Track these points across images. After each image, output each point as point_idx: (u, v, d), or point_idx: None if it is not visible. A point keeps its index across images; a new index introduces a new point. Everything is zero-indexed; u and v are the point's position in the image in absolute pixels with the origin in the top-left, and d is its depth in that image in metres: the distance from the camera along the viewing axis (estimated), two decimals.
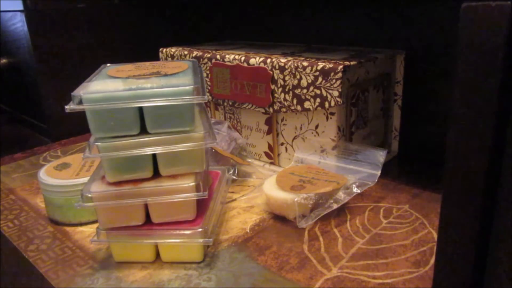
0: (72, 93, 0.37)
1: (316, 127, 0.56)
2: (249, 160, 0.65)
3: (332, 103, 0.52)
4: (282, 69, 0.56)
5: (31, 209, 0.54)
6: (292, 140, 0.59)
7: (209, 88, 0.66)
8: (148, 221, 0.41)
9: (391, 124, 0.65)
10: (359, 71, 0.55)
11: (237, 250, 0.44)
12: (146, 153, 0.39)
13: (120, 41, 0.86)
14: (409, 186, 0.55)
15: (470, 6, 0.22)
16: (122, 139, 0.39)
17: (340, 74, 0.51)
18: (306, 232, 0.46)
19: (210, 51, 0.65)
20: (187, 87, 0.38)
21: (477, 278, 0.27)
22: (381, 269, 0.40)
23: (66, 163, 0.53)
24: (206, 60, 0.65)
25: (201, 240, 0.41)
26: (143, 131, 0.39)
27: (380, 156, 0.52)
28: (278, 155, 0.62)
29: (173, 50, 0.71)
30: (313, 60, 0.54)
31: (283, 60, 0.56)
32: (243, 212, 0.51)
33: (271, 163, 0.63)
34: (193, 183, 0.40)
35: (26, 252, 0.45)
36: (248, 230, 0.47)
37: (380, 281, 0.38)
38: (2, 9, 0.81)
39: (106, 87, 0.39)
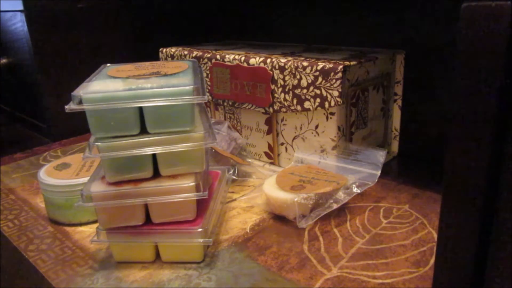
0: (72, 93, 0.37)
1: (316, 127, 0.56)
2: (249, 160, 0.65)
3: (332, 103, 0.52)
4: (282, 69, 0.56)
5: (31, 209, 0.54)
6: (292, 140, 0.59)
7: (209, 88, 0.66)
8: (148, 221, 0.41)
9: (391, 124, 0.65)
10: (359, 71, 0.55)
11: (237, 250, 0.44)
12: (146, 153, 0.39)
13: (120, 41, 0.86)
14: (409, 186, 0.55)
15: (470, 6, 0.22)
16: (122, 139, 0.39)
17: (340, 74, 0.51)
18: (306, 232, 0.46)
19: (210, 51, 0.65)
20: (187, 87, 0.38)
21: (477, 278, 0.27)
22: (381, 269, 0.40)
23: (66, 163, 0.53)
24: (206, 60, 0.65)
25: (201, 240, 0.41)
26: (143, 131, 0.39)
27: (380, 156, 0.52)
28: (278, 155, 0.62)
29: (173, 50, 0.71)
30: (313, 60, 0.54)
31: (283, 60, 0.56)
32: (243, 212, 0.51)
33: (271, 163, 0.63)
34: (193, 183, 0.40)
35: (26, 252, 0.45)
36: (248, 230, 0.47)
37: (380, 281, 0.38)
38: (2, 9, 0.82)
39: (106, 87, 0.39)
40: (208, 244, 0.43)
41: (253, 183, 0.58)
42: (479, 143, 0.24)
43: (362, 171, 0.52)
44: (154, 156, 0.40)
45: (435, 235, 0.44)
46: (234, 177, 0.58)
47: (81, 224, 0.50)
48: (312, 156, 0.57)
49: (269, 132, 0.62)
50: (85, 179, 0.46)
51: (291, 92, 0.56)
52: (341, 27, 0.68)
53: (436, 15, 0.57)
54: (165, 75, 0.41)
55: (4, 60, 0.88)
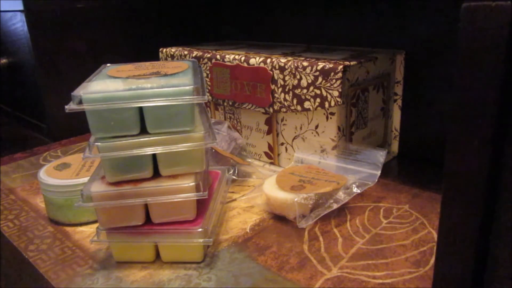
0: (72, 93, 0.37)
1: (316, 127, 0.56)
2: (249, 160, 0.65)
3: (332, 103, 0.52)
4: (282, 69, 0.56)
5: (31, 209, 0.54)
6: (292, 140, 0.59)
7: (209, 88, 0.66)
8: (148, 221, 0.41)
9: (391, 124, 0.65)
10: (359, 71, 0.55)
11: (237, 250, 0.44)
12: (146, 153, 0.39)
13: (120, 41, 0.86)
14: (409, 186, 0.55)
15: (470, 6, 0.22)
16: (122, 139, 0.39)
17: (340, 74, 0.51)
18: (306, 232, 0.46)
19: (210, 51, 0.65)
20: (187, 87, 0.38)
21: (477, 278, 0.27)
22: (381, 269, 0.40)
23: (66, 163, 0.53)
24: (206, 60, 0.65)
25: (201, 240, 0.41)
26: (143, 131, 0.39)
27: (380, 156, 0.52)
28: (278, 155, 0.62)
29: (173, 50, 0.71)
30: (313, 60, 0.54)
31: (283, 60, 0.56)
32: (243, 212, 0.51)
33: (271, 163, 0.63)
34: (193, 183, 0.40)
35: (26, 252, 0.45)
36: (248, 230, 0.47)
37: (380, 281, 0.38)
38: (2, 9, 0.81)
39: (106, 87, 0.39)
40: (208, 244, 0.43)
41: (253, 183, 0.58)
42: (479, 143, 0.24)
43: (362, 171, 0.52)
44: (154, 156, 0.40)
45: (435, 235, 0.44)
46: (234, 177, 0.58)
47: (81, 224, 0.50)
48: (312, 156, 0.57)
49: (269, 132, 0.62)
50: (85, 179, 0.46)
51: (291, 92, 0.56)
52: (341, 27, 0.68)
53: (436, 15, 0.57)
54: (165, 75, 0.41)
55: (4, 60, 0.88)
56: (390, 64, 0.61)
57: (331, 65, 0.51)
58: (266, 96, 0.58)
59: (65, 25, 0.78)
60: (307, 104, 0.55)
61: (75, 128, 0.81)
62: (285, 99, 0.57)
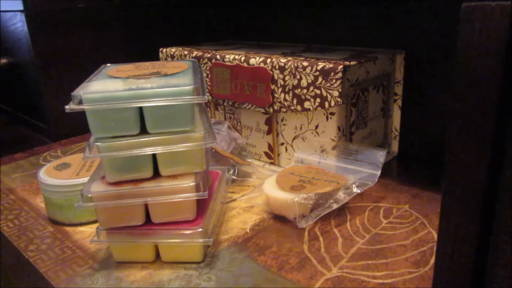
0: (72, 93, 0.37)
1: (316, 127, 0.56)
2: (249, 160, 0.65)
3: (332, 103, 0.52)
4: (282, 69, 0.56)
5: (31, 209, 0.54)
6: (292, 140, 0.59)
7: (209, 88, 0.66)
8: (148, 221, 0.41)
9: (391, 124, 0.65)
10: (359, 71, 0.55)
11: (237, 250, 0.44)
12: (146, 153, 0.39)
13: (120, 41, 0.86)
14: (409, 186, 0.55)
15: (470, 6, 0.22)
16: (122, 139, 0.39)
17: (340, 74, 0.51)
18: (306, 232, 0.46)
19: (210, 51, 0.65)
20: (187, 87, 0.38)
21: (477, 278, 0.27)
22: (381, 269, 0.40)
23: (66, 163, 0.53)
24: (206, 60, 0.65)
25: (201, 240, 0.41)
26: (143, 131, 0.39)
27: (380, 156, 0.52)
28: (278, 155, 0.62)
29: (173, 50, 0.71)
30: (313, 60, 0.54)
31: (283, 60, 0.56)
32: (243, 212, 0.51)
33: (271, 163, 0.63)
34: (193, 183, 0.40)
35: (26, 252, 0.45)
36: (248, 230, 0.47)
37: (380, 281, 0.38)
38: (2, 9, 0.81)
39: (106, 87, 0.39)
40: (208, 244, 0.43)
41: (253, 183, 0.58)
42: (479, 143, 0.24)
43: (362, 171, 0.52)
44: (154, 156, 0.40)
45: (435, 235, 0.44)
46: (234, 177, 0.58)
47: (81, 224, 0.50)
48: (312, 156, 0.57)
49: (269, 132, 0.62)
50: (85, 179, 0.46)
51: (291, 92, 0.56)
52: (341, 27, 0.68)
53: (436, 15, 0.57)
54: (165, 75, 0.41)
55: (4, 60, 0.88)
56: (390, 64, 0.61)
57: (331, 65, 0.51)
58: (266, 96, 0.58)
59: (65, 25, 0.78)
60: (307, 104, 0.55)
61: (75, 128, 0.81)
62: (285, 99, 0.57)
